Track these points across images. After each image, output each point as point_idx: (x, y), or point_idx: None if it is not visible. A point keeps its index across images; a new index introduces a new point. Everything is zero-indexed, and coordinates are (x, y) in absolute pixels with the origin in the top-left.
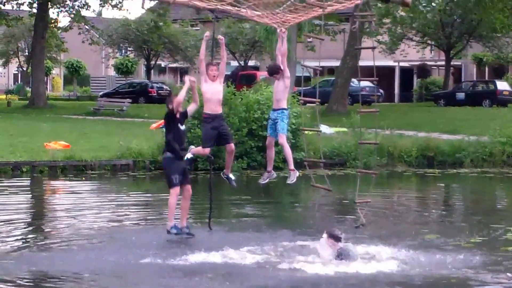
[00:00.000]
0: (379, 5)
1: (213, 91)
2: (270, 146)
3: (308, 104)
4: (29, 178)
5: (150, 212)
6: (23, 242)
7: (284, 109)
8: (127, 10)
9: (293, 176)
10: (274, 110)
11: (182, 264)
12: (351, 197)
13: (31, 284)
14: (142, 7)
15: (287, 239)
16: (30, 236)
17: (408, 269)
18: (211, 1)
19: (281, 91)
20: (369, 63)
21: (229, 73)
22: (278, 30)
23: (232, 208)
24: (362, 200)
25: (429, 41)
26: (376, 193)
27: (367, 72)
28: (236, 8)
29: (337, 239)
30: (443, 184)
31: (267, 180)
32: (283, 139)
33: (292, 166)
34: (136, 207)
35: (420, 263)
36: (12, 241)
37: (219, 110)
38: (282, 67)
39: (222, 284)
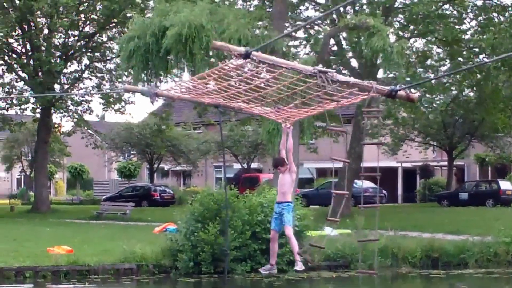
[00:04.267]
0: (381, 105)
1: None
2: (274, 240)
3: (311, 206)
4: (32, 284)
5: None
6: None
7: (290, 202)
8: (130, 114)
9: (301, 264)
10: (279, 203)
11: None
12: None
13: None
14: (152, 103)
15: None
16: None
17: None
18: (216, 95)
19: (287, 185)
20: (372, 164)
21: (232, 175)
22: (283, 126)
23: None
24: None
25: (431, 142)
26: None
27: (370, 172)
28: (239, 105)
29: None
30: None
31: (267, 272)
32: (289, 231)
33: (298, 256)
34: None
35: None
36: None
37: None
38: (287, 161)
39: None
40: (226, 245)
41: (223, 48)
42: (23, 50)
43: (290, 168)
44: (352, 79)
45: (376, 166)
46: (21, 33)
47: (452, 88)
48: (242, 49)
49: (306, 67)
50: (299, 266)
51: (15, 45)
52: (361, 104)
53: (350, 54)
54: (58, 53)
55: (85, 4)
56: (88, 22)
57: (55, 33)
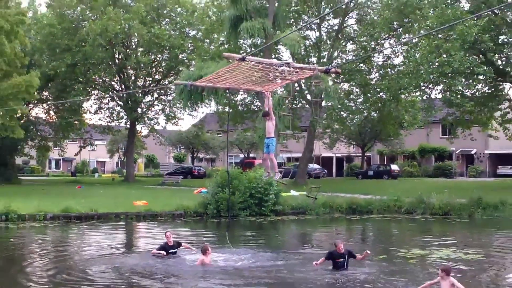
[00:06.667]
0: (324, 121)
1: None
2: (265, 159)
3: (284, 179)
4: (124, 222)
5: (195, 240)
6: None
7: (273, 137)
8: (181, 125)
9: (277, 176)
10: (267, 138)
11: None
12: (310, 231)
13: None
14: (189, 90)
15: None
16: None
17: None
18: (225, 82)
19: (271, 127)
20: (318, 154)
21: (238, 161)
22: (266, 93)
23: (238, 238)
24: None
25: (352, 142)
26: (322, 229)
27: (317, 158)
28: (240, 86)
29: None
30: (361, 227)
31: (266, 177)
32: (272, 156)
33: (277, 170)
34: (189, 237)
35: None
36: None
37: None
38: (270, 113)
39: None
40: (228, 200)
41: (229, 57)
42: (120, 88)
43: (271, 117)
44: (304, 65)
45: (319, 156)
46: (118, 79)
47: (365, 111)
48: (240, 56)
49: (278, 61)
50: (277, 177)
51: (115, 86)
52: (312, 119)
53: (306, 91)
54: (140, 90)
55: (156, 63)
56: (157, 73)
57: (138, 79)
